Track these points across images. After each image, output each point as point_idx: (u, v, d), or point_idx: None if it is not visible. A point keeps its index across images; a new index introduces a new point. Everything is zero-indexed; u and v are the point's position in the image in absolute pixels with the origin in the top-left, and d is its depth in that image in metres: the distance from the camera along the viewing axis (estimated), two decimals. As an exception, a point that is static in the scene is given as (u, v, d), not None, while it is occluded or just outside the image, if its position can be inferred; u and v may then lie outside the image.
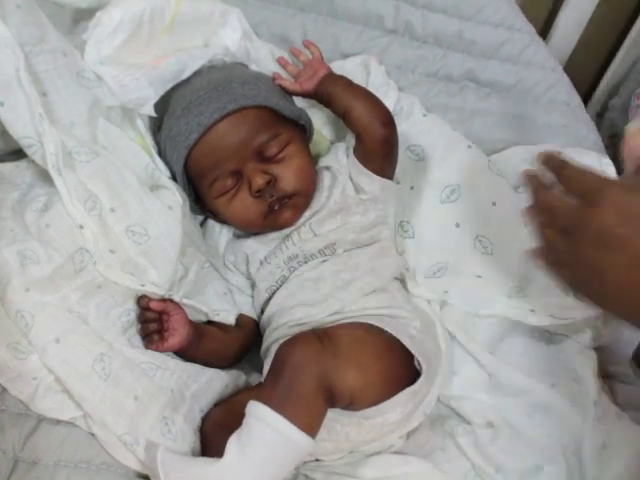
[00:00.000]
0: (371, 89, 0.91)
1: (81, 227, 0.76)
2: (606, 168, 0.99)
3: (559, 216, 0.61)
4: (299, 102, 0.95)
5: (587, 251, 0.58)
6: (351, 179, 0.89)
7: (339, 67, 0.98)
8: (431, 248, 0.92)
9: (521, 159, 0.99)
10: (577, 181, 0.61)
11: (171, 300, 0.83)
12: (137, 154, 0.85)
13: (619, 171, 1.05)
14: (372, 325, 0.77)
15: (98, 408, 0.73)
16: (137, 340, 0.81)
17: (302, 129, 0.91)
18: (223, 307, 0.89)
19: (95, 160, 0.78)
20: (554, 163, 0.65)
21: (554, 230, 0.62)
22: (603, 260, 0.57)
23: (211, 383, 0.82)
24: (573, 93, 1.09)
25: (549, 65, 1.08)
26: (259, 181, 0.82)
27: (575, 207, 0.59)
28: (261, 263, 0.88)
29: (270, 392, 0.68)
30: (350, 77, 0.91)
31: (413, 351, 0.77)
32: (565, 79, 1.09)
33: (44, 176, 0.79)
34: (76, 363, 0.73)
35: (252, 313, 0.92)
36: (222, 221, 0.93)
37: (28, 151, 0.76)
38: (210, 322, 0.89)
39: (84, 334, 0.75)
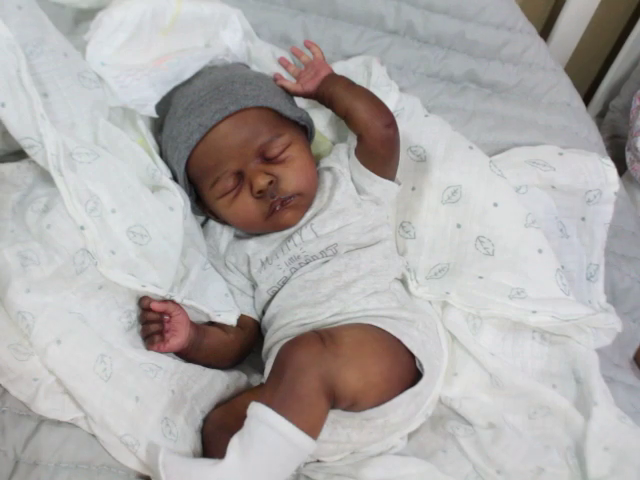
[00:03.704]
0: (373, 90, 0.91)
1: (82, 228, 0.76)
2: (607, 169, 0.99)
3: None
4: (300, 103, 0.95)
5: None
6: (352, 180, 0.89)
7: (341, 68, 0.98)
8: (432, 249, 0.92)
9: (522, 160, 0.99)
10: None
11: (172, 301, 0.82)
12: (138, 155, 0.84)
13: (620, 172, 1.05)
14: (373, 326, 0.77)
15: (99, 409, 0.73)
16: (138, 341, 0.81)
17: (303, 130, 0.91)
18: (224, 308, 0.89)
19: (96, 161, 0.78)
20: None
21: None
22: None
23: (212, 384, 0.82)
24: (574, 94, 1.09)
25: (550, 66, 1.08)
26: (260, 182, 0.82)
27: None
28: (262, 264, 0.88)
29: (272, 393, 0.68)
30: (352, 78, 0.91)
31: (414, 352, 0.77)
32: (566, 80, 1.09)
33: (45, 177, 0.79)
34: (77, 364, 0.73)
35: (253, 314, 0.92)
36: (223, 222, 0.93)
37: (29, 152, 0.76)
38: (211, 323, 0.88)
39: (85, 335, 0.75)
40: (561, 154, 1.00)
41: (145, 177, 0.84)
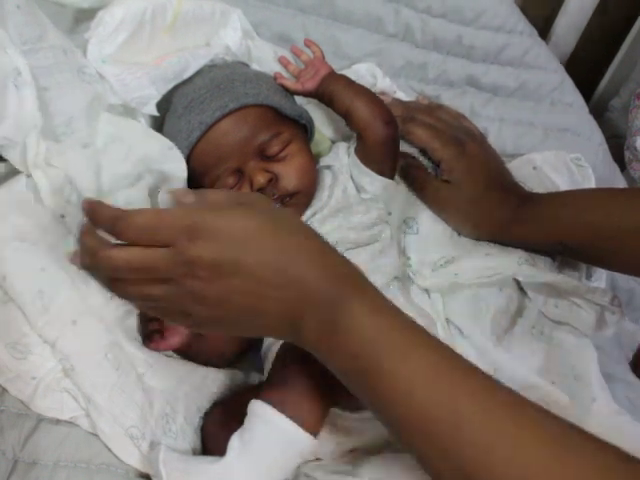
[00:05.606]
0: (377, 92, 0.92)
1: (62, 216, 0.76)
2: (581, 170, 0.99)
3: (155, 269, 0.53)
4: (300, 101, 0.95)
5: (210, 287, 0.53)
6: (352, 178, 0.89)
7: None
8: (437, 245, 0.92)
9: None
10: (153, 228, 0.52)
11: (172, 299, 0.82)
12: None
13: (621, 169, 1.05)
14: (373, 324, 0.77)
15: (108, 399, 0.72)
16: (133, 332, 0.80)
17: (303, 128, 0.91)
18: (224, 306, 0.88)
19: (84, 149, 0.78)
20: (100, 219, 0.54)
21: (155, 284, 0.54)
22: (227, 289, 0.53)
23: (205, 382, 0.81)
24: (576, 94, 1.09)
25: (551, 67, 1.09)
26: (260, 180, 0.82)
27: (169, 253, 0.52)
28: (262, 262, 0.88)
29: (272, 391, 0.68)
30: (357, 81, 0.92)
31: (415, 350, 0.76)
32: (568, 80, 1.09)
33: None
34: (90, 348, 0.73)
35: (253, 312, 0.91)
36: (223, 220, 0.93)
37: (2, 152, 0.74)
38: (211, 322, 0.88)
39: (96, 317, 0.74)
40: (535, 168, 0.99)
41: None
